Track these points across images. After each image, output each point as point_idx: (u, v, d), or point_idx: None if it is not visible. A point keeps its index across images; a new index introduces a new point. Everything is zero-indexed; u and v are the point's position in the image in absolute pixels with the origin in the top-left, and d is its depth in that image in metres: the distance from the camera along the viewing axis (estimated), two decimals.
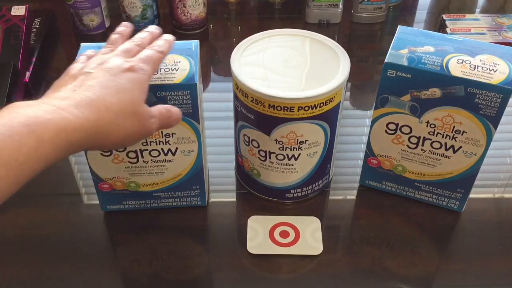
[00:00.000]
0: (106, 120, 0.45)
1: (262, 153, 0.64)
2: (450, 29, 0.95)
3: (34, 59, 0.90)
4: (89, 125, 0.44)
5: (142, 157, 0.62)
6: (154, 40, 0.55)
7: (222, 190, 0.73)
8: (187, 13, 0.97)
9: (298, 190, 0.69)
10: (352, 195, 0.73)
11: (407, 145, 0.64)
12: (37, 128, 0.41)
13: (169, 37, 0.56)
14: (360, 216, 0.70)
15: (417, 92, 0.59)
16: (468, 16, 0.99)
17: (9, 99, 0.78)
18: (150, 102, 0.56)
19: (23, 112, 0.41)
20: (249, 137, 0.64)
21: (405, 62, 0.58)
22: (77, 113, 0.43)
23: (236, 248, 0.65)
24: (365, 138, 0.70)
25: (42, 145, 0.41)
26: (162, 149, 0.61)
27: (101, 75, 0.48)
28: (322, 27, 1.03)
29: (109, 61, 0.49)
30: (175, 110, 0.53)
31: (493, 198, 0.73)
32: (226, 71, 0.93)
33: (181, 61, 0.58)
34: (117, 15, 1.01)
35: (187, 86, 0.56)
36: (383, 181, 0.70)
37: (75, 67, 0.51)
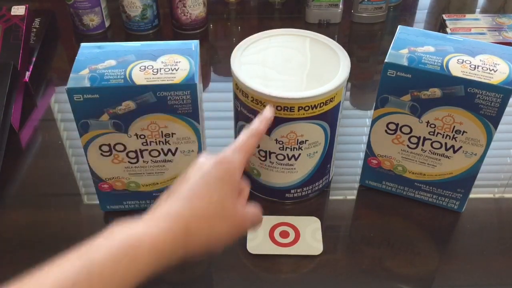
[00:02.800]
0: (194, 228, 0.45)
1: (262, 153, 0.64)
2: (450, 29, 0.95)
3: (34, 59, 0.90)
4: (176, 236, 0.44)
5: (142, 157, 0.62)
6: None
7: None
8: (187, 13, 0.97)
9: (298, 190, 0.69)
10: (352, 195, 0.73)
11: (407, 145, 0.64)
12: (131, 250, 0.41)
13: (266, 113, 0.55)
14: (360, 216, 0.70)
15: (417, 92, 0.59)
16: (468, 16, 0.99)
17: (9, 99, 0.78)
18: (150, 102, 0.56)
19: (118, 237, 0.42)
20: None
21: (405, 62, 0.58)
22: (164, 227, 0.44)
23: (236, 248, 0.65)
24: (365, 138, 0.70)
25: (136, 265, 0.41)
26: (162, 149, 0.61)
27: (192, 176, 0.48)
28: (322, 27, 1.03)
29: (201, 156, 0.50)
30: (259, 211, 0.52)
31: (493, 198, 0.73)
32: (226, 71, 0.93)
33: (181, 61, 0.58)
34: (117, 15, 1.01)
35: (187, 86, 0.56)
36: (383, 181, 0.70)
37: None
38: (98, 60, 0.57)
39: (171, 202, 0.46)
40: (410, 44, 0.60)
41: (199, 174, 0.48)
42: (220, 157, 0.49)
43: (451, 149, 0.62)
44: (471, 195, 0.67)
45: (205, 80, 0.92)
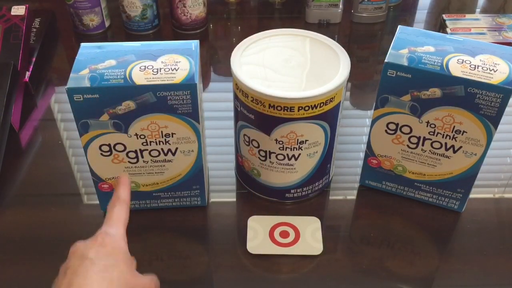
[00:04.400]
0: None
1: (262, 153, 0.64)
2: (450, 29, 0.95)
3: (34, 59, 0.90)
4: None
5: (142, 157, 0.62)
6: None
7: (222, 190, 0.73)
8: (187, 13, 0.97)
9: (298, 190, 0.69)
10: (352, 195, 0.73)
11: (407, 145, 0.64)
12: None
13: (123, 179, 0.53)
14: (360, 216, 0.70)
15: (417, 92, 0.59)
16: (468, 16, 0.99)
17: (9, 99, 0.78)
18: (150, 102, 0.56)
19: None
20: (249, 137, 0.64)
21: (405, 62, 0.58)
22: None
23: (236, 248, 0.65)
24: (365, 138, 0.70)
25: None
26: (162, 149, 0.61)
27: (74, 269, 0.45)
28: (322, 27, 1.03)
29: (78, 246, 0.47)
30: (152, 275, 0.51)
31: (493, 198, 0.73)
32: (226, 71, 0.93)
33: (181, 61, 0.58)
34: (117, 15, 1.01)
35: (187, 86, 0.56)
36: (383, 181, 0.70)
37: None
38: (98, 60, 0.57)
39: None
40: (410, 44, 0.60)
41: (87, 264, 0.45)
42: (100, 238, 0.47)
43: (451, 149, 0.62)
44: (471, 195, 0.67)
45: (205, 80, 0.92)
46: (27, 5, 0.92)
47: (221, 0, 1.10)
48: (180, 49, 0.59)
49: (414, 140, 0.64)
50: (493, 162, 0.76)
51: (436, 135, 0.62)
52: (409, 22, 1.08)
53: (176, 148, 0.61)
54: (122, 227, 0.50)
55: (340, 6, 1.02)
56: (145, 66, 0.57)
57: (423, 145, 0.63)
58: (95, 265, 0.45)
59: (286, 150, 0.63)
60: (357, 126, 0.84)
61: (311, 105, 0.59)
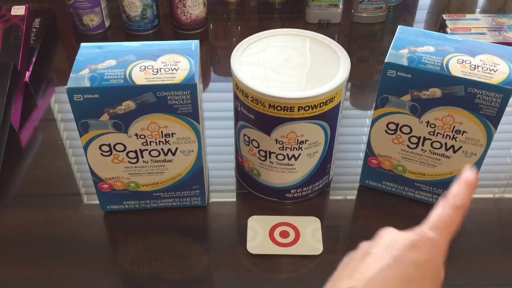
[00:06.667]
0: None
1: (262, 153, 0.64)
2: (450, 29, 0.95)
3: (34, 59, 0.90)
4: None
5: (142, 157, 0.62)
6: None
7: (222, 190, 0.73)
8: (187, 13, 0.97)
9: (298, 190, 0.69)
10: (352, 195, 0.73)
11: (407, 145, 0.64)
12: None
13: (467, 175, 0.44)
14: (360, 216, 0.70)
15: (417, 92, 0.59)
16: (468, 16, 0.99)
17: (9, 99, 0.78)
18: (150, 102, 0.56)
19: None
20: (249, 137, 0.64)
21: (405, 62, 0.58)
22: None
23: (236, 248, 0.65)
24: (365, 138, 0.70)
25: None
26: (162, 149, 0.61)
27: (379, 256, 0.39)
28: (322, 27, 1.03)
29: (388, 234, 0.41)
30: None
31: (493, 198, 0.73)
32: (226, 71, 0.93)
33: (181, 61, 0.58)
34: (117, 15, 1.01)
35: (187, 86, 0.56)
36: (383, 181, 0.70)
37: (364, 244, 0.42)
38: (98, 60, 0.57)
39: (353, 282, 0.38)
40: (410, 44, 0.60)
41: (390, 255, 0.39)
42: (417, 235, 0.40)
43: (451, 149, 0.62)
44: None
45: (205, 80, 0.92)
46: (27, 5, 0.92)
47: (221, 0, 1.10)
48: (180, 49, 0.59)
49: (414, 140, 0.64)
50: (493, 162, 0.76)
51: (436, 135, 0.62)
52: (409, 22, 1.08)
53: (176, 148, 0.61)
54: (447, 236, 0.42)
55: (340, 6, 1.02)
56: (145, 66, 0.57)
57: (423, 145, 0.63)
58: (401, 264, 0.38)
59: (286, 150, 0.63)
60: (357, 126, 0.84)
61: (311, 105, 0.59)
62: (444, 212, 0.42)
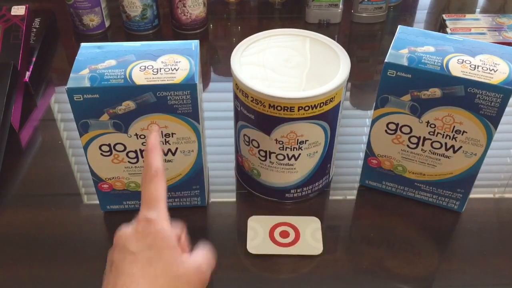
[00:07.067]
0: None
1: (262, 153, 0.64)
2: (450, 29, 0.95)
3: (34, 59, 0.90)
4: None
5: (142, 157, 0.62)
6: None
7: (222, 190, 0.73)
8: (187, 13, 0.97)
9: (298, 190, 0.69)
10: (352, 195, 0.73)
11: (407, 145, 0.64)
12: None
13: (151, 140, 0.48)
14: (360, 216, 0.70)
15: (417, 92, 0.59)
16: (468, 16, 0.99)
17: (9, 99, 0.78)
18: (150, 102, 0.56)
19: None
20: (249, 137, 0.64)
21: (405, 62, 0.58)
22: None
23: (236, 248, 0.65)
24: (365, 138, 0.70)
25: None
26: (162, 149, 0.61)
27: (120, 260, 0.44)
28: (322, 27, 1.03)
29: (121, 236, 0.45)
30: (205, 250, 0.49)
31: (493, 198, 0.73)
32: (226, 71, 0.93)
33: (181, 61, 0.58)
34: (117, 15, 1.01)
35: (187, 86, 0.56)
36: (383, 181, 0.70)
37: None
38: (98, 60, 0.57)
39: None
40: (410, 44, 0.60)
41: (130, 260, 0.43)
42: (140, 227, 0.45)
43: (451, 149, 0.62)
44: (471, 195, 0.67)
45: (205, 80, 0.92)
46: (27, 5, 0.92)
47: (221, 0, 1.10)
48: (180, 49, 0.59)
49: (414, 140, 0.64)
50: (493, 162, 0.76)
51: (436, 135, 0.62)
52: (409, 22, 1.08)
53: (176, 148, 0.61)
54: (163, 206, 0.45)
55: (340, 6, 1.02)
56: (145, 66, 0.57)
57: (423, 145, 0.63)
58: (138, 260, 0.43)
59: (286, 150, 0.63)
60: (357, 126, 0.84)
61: (311, 105, 0.59)
62: (147, 188, 0.46)
